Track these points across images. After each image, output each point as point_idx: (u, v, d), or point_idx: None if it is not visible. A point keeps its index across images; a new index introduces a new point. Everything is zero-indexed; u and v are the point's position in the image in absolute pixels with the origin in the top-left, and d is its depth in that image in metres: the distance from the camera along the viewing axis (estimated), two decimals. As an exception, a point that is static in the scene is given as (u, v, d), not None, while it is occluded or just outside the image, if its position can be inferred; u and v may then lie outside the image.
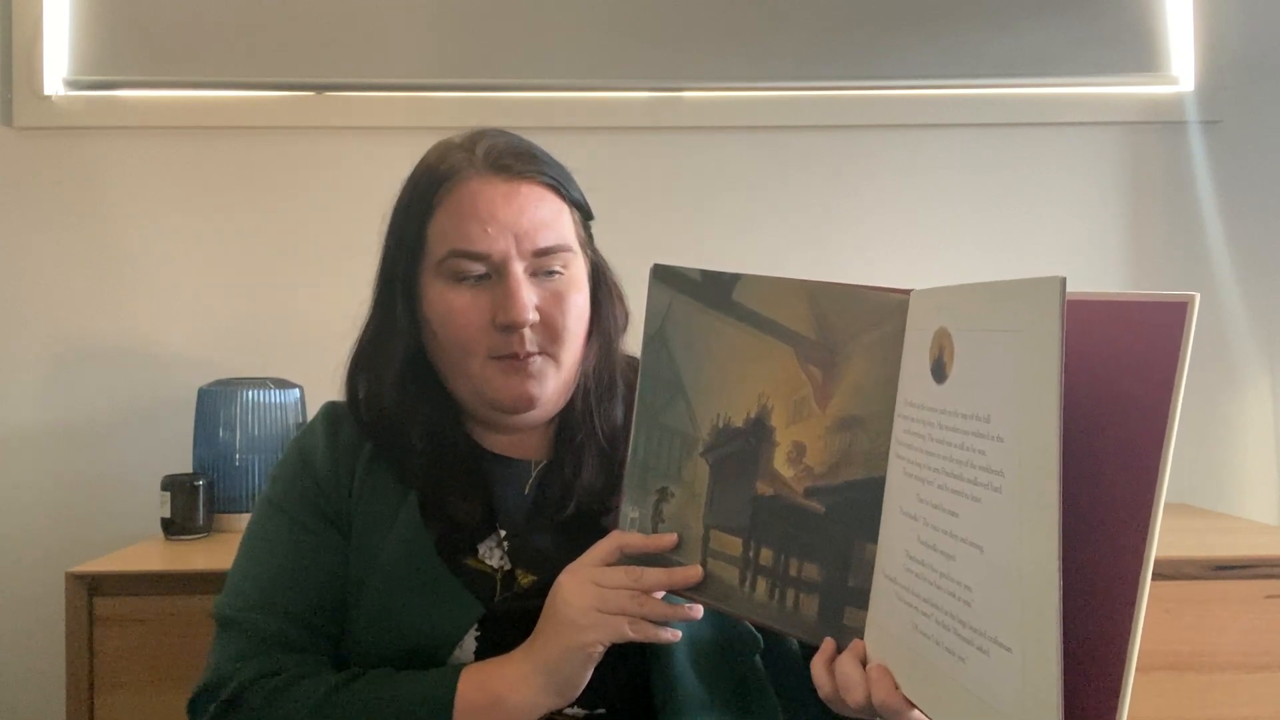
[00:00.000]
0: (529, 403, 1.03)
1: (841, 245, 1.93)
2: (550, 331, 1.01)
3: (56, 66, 1.87)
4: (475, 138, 1.05)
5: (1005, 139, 1.94)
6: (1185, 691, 1.41)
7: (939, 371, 0.71)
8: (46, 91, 1.85)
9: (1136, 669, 0.63)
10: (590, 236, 1.10)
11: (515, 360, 1.01)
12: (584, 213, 1.08)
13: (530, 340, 1.00)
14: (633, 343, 1.07)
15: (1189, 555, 1.43)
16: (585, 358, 1.07)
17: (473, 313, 1.00)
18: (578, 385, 1.07)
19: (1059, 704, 0.58)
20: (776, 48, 1.91)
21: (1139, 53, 1.92)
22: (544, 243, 1.00)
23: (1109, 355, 0.66)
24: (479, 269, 1.00)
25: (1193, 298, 0.61)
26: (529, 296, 0.99)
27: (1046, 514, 0.59)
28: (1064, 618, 0.59)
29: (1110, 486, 0.64)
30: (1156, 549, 0.62)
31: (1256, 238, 1.94)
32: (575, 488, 1.04)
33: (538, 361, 1.02)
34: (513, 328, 0.99)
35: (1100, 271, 1.94)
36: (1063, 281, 0.59)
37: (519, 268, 0.99)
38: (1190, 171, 1.93)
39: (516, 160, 1.02)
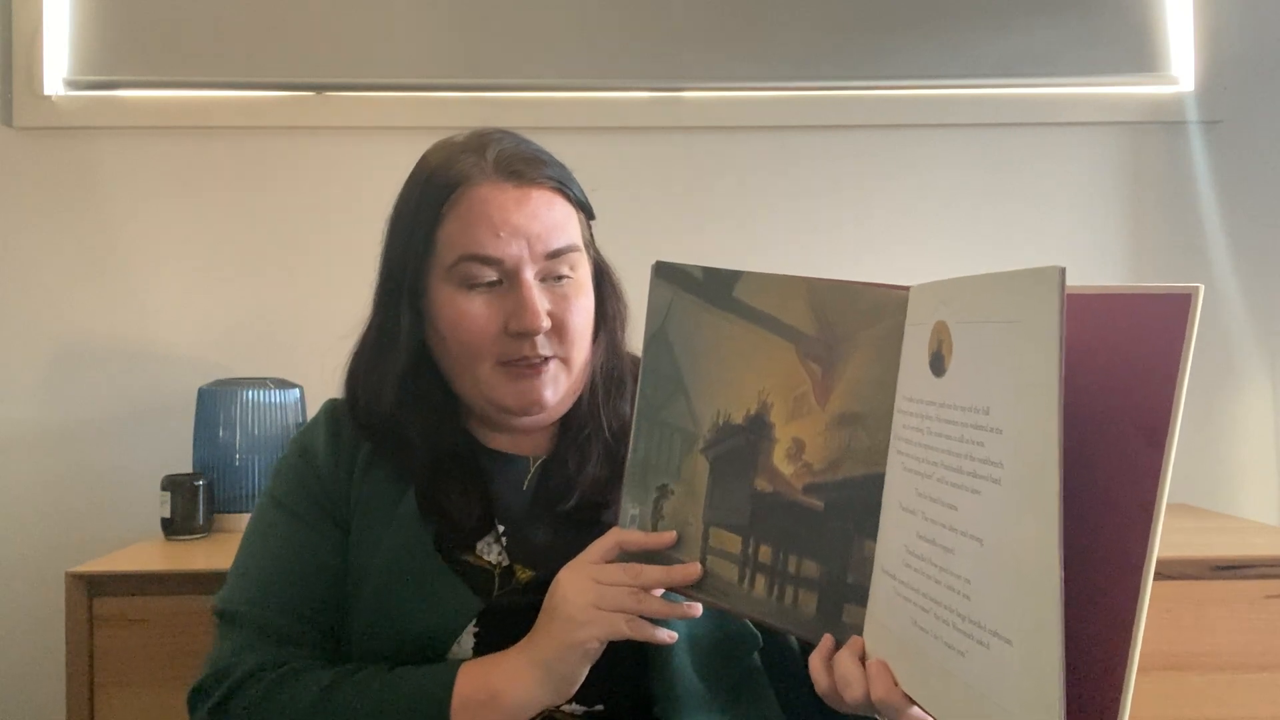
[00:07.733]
0: (540, 407, 1.04)
1: (841, 245, 1.93)
2: (561, 335, 1.02)
3: (56, 66, 1.87)
4: (483, 141, 1.04)
5: (1005, 139, 1.94)
6: (1185, 691, 1.41)
7: (938, 364, 0.71)
8: (46, 91, 1.85)
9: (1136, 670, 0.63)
10: (592, 236, 1.11)
11: (526, 365, 1.01)
12: (588, 213, 1.09)
13: (543, 345, 1.01)
14: (633, 340, 1.07)
15: (1189, 555, 1.42)
16: (594, 356, 1.08)
17: (485, 319, 1.00)
18: (586, 383, 1.08)
19: (1061, 697, 0.58)
20: (776, 48, 1.91)
21: (1139, 53, 1.92)
22: (555, 244, 1.01)
23: (1113, 349, 0.65)
24: (491, 274, 1.00)
25: (1197, 289, 0.60)
26: (542, 303, 1.00)
27: (1047, 505, 0.58)
28: (1065, 612, 0.58)
29: (1113, 482, 0.64)
30: (1159, 545, 0.62)
31: (1256, 237, 1.93)
32: (578, 480, 1.04)
33: (551, 367, 1.02)
34: (526, 335, 1.00)
35: (1100, 271, 1.93)
36: (1062, 271, 0.58)
37: (530, 273, 1.00)
38: (1190, 171, 1.93)
39: (527, 165, 1.02)
